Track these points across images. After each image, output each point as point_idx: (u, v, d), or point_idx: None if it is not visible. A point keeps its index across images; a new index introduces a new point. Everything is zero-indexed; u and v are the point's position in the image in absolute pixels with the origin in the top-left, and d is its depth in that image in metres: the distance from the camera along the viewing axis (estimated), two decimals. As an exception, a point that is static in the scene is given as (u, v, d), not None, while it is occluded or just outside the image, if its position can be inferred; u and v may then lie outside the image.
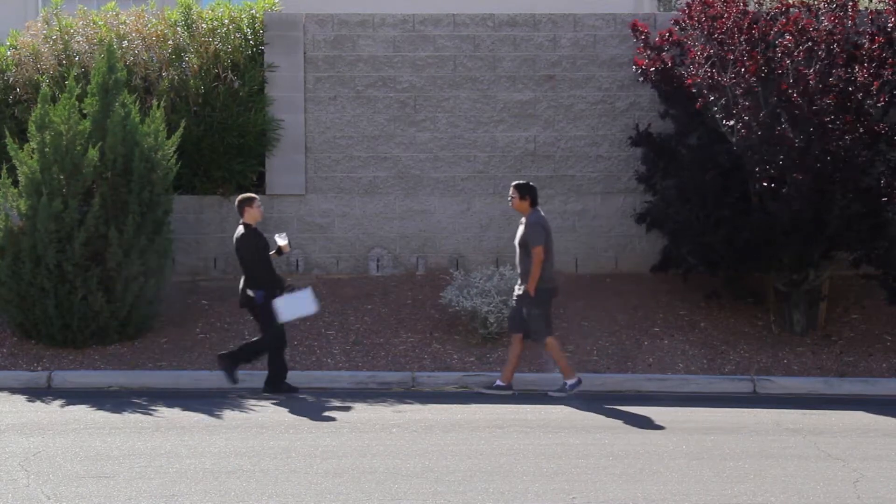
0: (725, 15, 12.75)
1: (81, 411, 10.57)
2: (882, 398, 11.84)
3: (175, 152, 13.23)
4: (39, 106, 12.83)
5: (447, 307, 13.28)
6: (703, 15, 12.95)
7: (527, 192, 11.67)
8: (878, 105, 12.48)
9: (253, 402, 11.04)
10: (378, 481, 7.86)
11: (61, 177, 12.68)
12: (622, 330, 13.35)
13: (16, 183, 12.97)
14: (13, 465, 8.25)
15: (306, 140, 14.68)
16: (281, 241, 11.82)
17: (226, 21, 14.61)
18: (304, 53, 14.68)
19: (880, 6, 13.52)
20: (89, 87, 13.11)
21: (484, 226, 14.68)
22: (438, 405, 11.03)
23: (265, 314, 11.53)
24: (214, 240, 14.56)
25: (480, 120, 14.71)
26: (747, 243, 13.05)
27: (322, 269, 14.60)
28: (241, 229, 11.73)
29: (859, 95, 12.40)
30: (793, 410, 10.85)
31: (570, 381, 11.49)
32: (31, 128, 12.86)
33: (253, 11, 14.74)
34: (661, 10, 20.26)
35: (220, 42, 14.49)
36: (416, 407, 10.93)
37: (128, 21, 14.69)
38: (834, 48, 12.47)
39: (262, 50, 14.66)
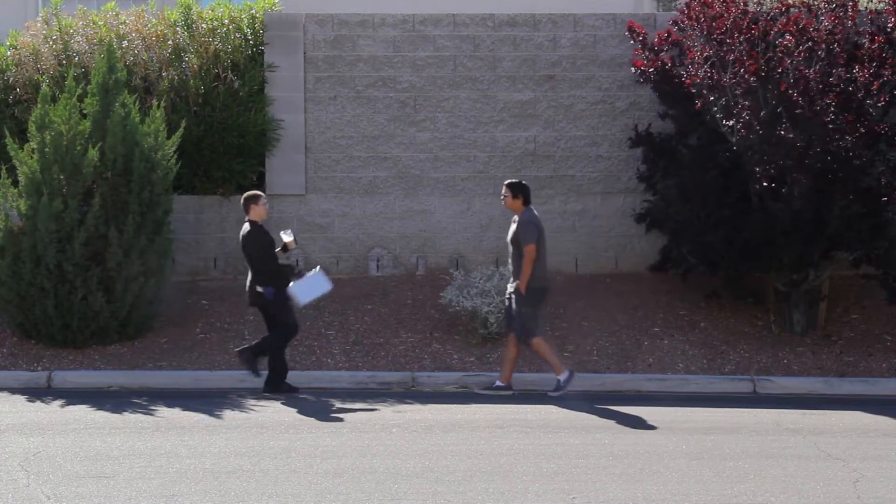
0: (725, 15, 12.74)
1: (81, 411, 10.57)
2: (882, 398, 11.84)
3: (175, 152, 13.23)
4: (39, 106, 12.83)
5: (447, 307, 13.28)
6: (701, 15, 12.95)
7: (519, 191, 11.69)
8: (879, 105, 12.48)
9: (253, 402, 11.04)
10: (378, 481, 7.86)
11: (61, 177, 12.68)
12: (622, 330, 13.35)
13: (16, 183, 12.97)
14: (13, 465, 8.25)
15: (306, 140, 14.68)
16: (286, 237, 11.83)
17: (226, 21, 14.61)
18: (304, 53, 14.68)
19: (880, 6, 13.51)
20: (89, 87, 13.11)
21: (484, 226, 14.68)
22: (438, 405, 11.02)
23: (278, 309, 11.54)
24: (214, 240, 14.56)
25: (480, 120, 14.71)
26: (747, 243, 13.05)
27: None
28: (246, 226, 11.74)
29: (860, 95, 12.40)
30: (793, 410, 10.85)
31: (562, 377, 11.49)
32: (32, 128, 12.86)
33: (253, 11, 14.74)
34: (661, 10, 20.24)
35: (220, 42, 14.49)
36: (416, 407, 10.93)
37: (128, 21, 14.68)
38: (834, 48, 12.47)
39: (262, 50, 14.66)
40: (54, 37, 14.63)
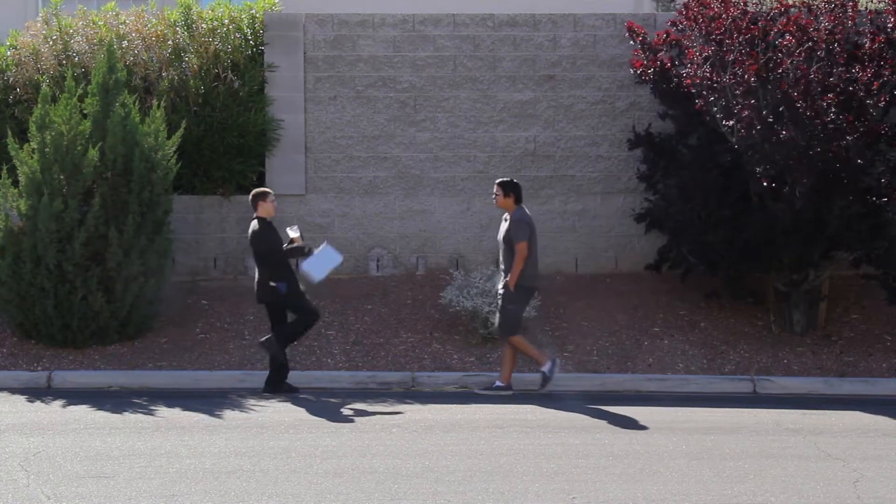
0: (723, 16, 12.74)
1: (81, 411, 10.57)
2: (882, 398, 11.84)
3: (175, 152, 13.23)
4: (40, 106, 12.84)
5: (447, 307, 13.28)
6: (699, 16, 12.95)
7: (511, 190, 11.71)
8: (879, 105, 12.48)
9: (253, 402, 11.04)
10: (378, 481, 7.86)
11: (61, 177, 12.68)
12: (622, 330, 13.35)
13: (16, 183, 12.97)
14: (13, 465, 8.25)
15: (306, 140, 14.68)
16: (293, 233, 11.84)
17: (226, 21, 14.60)
18: (304, 53, 14.68)
19: (880, 6, 13.51)
20: (89, 87, 13.11)
21: (484, 226, 14.68)
22: (438, 405, 11.03)
23: (292, 302, 11.55)
24: (214, 240, 14.56)
25: (480, 120, 14.72)
26: (747, 243, 13.05)
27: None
28: (254, 224, 11.75)
29: (860, 95, 12.40)
30: (793, 410, 10.85)
31: (546, 367, 11.49)
32: (32, 128, 12.86)
33: (253, 11, 14.74)
34: (661, 10, 20.24)
35: (220, 42, 14.49)
36: (416, 407, 10.93)
37: (128, 21, 14.68)
38: (834, 48, 12.47)
39: (262, 50, 14.66)
40: (54, 37, 14.63)
